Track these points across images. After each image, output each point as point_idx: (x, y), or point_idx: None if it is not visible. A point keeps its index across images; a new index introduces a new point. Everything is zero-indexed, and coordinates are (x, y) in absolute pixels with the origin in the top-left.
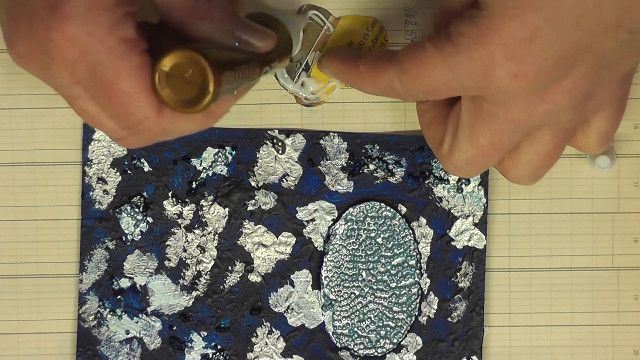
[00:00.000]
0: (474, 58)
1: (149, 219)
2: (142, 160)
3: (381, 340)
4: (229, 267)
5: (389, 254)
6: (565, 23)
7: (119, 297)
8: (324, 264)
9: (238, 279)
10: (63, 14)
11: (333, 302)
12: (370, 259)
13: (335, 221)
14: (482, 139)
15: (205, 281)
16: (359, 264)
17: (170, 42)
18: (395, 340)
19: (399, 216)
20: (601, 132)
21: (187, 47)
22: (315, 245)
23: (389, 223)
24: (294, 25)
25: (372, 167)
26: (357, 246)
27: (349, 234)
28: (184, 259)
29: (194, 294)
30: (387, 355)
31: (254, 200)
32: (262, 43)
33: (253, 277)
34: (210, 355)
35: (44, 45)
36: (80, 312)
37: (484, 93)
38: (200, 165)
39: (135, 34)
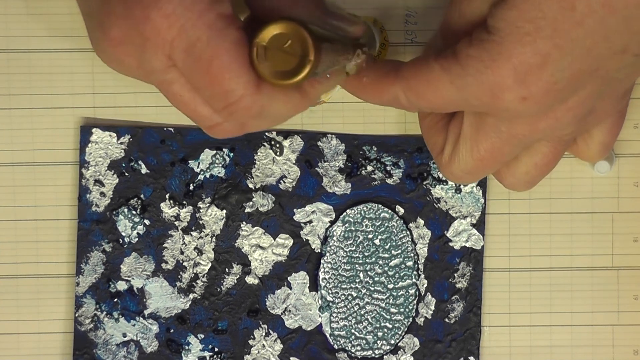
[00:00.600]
0: (482, 81)
1: (146, 221)
2: (140, 162)
3: (378, 341)
4: (226, 270)
5: (386, 255)
6: (576, 50)
7: (115, 300)
8: (321, 265)
9: (235, 281)
10: None
11: (330, 304)
12: (367, 260)
13: (332, 223)
14: (483, 151)
15: (202, 283)
16: (357, 266)
17: (259, 24)
18: (392, 342)
19: (397, 217)
20: (602, 142)
21: (287, 19)
22: (313, 247)
23: (386, 224)
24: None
25: (369, 168)
26: (354, 248)
27: (346, 236)
28: (181, 262)
29: (191, 296)
30: (385, 357)
31: (251, 202)
32: (352, 28)
33: (250, 279)
34: (208, 358)
35: (141, 26)
36: (77, 315)
37: (490, 111)
38: (198, 167)
39: (231, 10)
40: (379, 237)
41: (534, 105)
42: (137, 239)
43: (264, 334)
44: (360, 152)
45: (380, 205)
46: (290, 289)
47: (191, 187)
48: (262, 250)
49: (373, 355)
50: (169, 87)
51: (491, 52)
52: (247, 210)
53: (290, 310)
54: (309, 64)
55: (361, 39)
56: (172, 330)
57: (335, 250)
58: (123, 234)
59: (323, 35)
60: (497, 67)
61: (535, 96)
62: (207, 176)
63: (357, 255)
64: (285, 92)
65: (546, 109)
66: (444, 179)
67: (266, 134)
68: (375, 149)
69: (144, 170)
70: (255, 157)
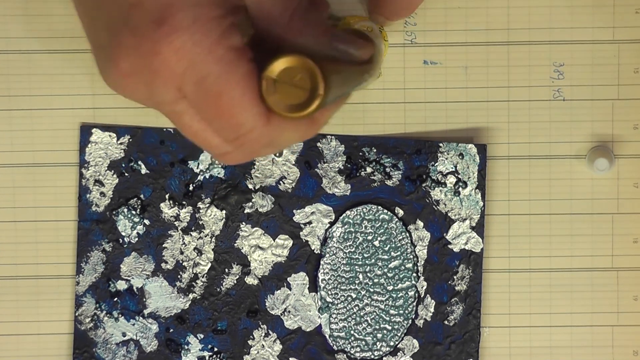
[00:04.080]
0: None
1: (146, 222)
2: (139, 162)
3: (378, 343)
4: (226, 270)
5: (385, 257)
6: None
7: (115, 299)
8: (320, 266)
9: (235, 282)
10: (170, 27)
11: (330, 305)
12: (367, 261)
13: (332, 224)
14: None
15: (202, 284)
16: (356, 267)
17: (267, 53)
18: (391, 343)
19: (396, 219)
20: None
21: (296, 52)
22: (312, 248)
23: (385, 226)
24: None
25: (369, 170)
26: (354, 249)
27: (346, 237)
28: (180, 262)
29: (191, 296)
30: (384, 358)
31: (251, 203)
32: (360, 51)
33: (250, 280)
34: (207, 358)
35: (150, 60)
36: (76, 314)
37: None
38: (198, 168)
39: (242, 42)
40: (379, 238)
41: None
42: (137, 239)
43: (263, 334)
44: (360, 154)
45: (379, 207)
46: (290, 289)
47: (191, 188)
48: (262, 250)
49: (372, 356)
50: (179, 118)
51: None
52: (247, 210)
53: (289, 311)
54: (319, 98)
55: (369, 61)
56: (171, 330)
57: (334, 251)
58: (123, 233)
59: (331, 61)
60: None
61: None
62: (207, 177)
63: (357, 256)
64: (294, 123)
65: None
66: (443, 181)
67: None
68: (375, 150)
69: (143, 170)
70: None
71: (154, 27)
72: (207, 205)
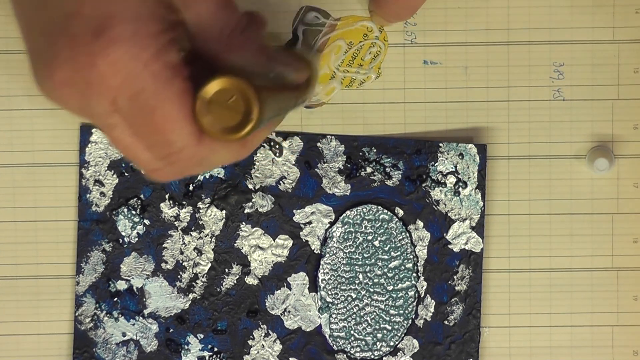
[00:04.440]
0: None
1: (146, 222)
2: None
3: (378, 343)
4: (226, 270)
5: (385, 256)
6: None
7: (115, 299)
8: (320, 266)
9: (235, 282)
10: (108, 39)
11: (330, 305)
12: (367, 261)
13: (332, 224)
14: None
15: (202, 284)
16: (356, 267)
17: (203, 70)
18: (391, 343)
19: (396, 219)
20: None
21: (232, 74)
22: (312, 248)
23: (385, 226)
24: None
25: (369, 170)
26: (354, 249)
27: (346, 237)
28: (180, 262)
29: (191, 296)
30: (384, 358)
31: (251, 203)
32: (296, 74)
33: (250, 280)
34: (207, 358)
35: (86, 71)
36: (76, 314)
37: None
38: None
39: (179, 60)
40: (379, 238)
41: None
42: (136, 239)
43: (263, 334)
44: (360, 154)
45: (379, 207)
46: (290, 289)
47: (191, 188)
48: (262, 250)
49: (372, 356)
50: (110, 131)
51: None
52: (247, 210)
53: (289, 311)
54: (252, 122)
55: (304, 84)
56: (171, 330)
57: (334, 251)
58: (123, 233)
59: (268, 87)
60: None
61: None
62: (207, 177)
63: (357, 256)
64: (226, 144)
65: None
66: (443, 181)
67: None
68: (375, 150)
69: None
70: (254, 158)
71: (92, 39)
72: (207, 205)
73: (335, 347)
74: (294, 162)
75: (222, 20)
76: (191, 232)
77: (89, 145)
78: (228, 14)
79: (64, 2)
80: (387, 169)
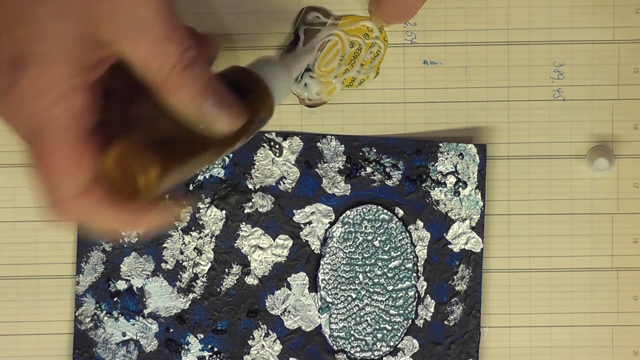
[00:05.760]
0: None
1: None
2: None
3: (378, 343)
4: (226, 270)
5: (385, 257)
6: None
7: (115, 299)
8: (320, 266)
9: (235, 282)
10: (22, 73)
11: (330, 305)
12: (367, 261)
13: (332, 224)
14: None
15: (202, 283)
16: (356, 267)
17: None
18: (391, 343)
19: (396, 219)
20: None
21: (136, 144)
22: (312, 248)
23: (385, 226)
24: (284, 72)
25: (369, 170)
26: (354, 249)
27: (346, 237)
28: (180, 262)
29: (191, 296)
30: (384, 358)
31: (251, 203)
32: (230, 122)
33: (250, 280)
34: (207, 358)
35: (5, 99)
36: (77, 314)
37: None
38: None
39: (86, 105)
40: (379, 238)
41: None
42: (136, 239)
43: (263, 334)
44: (360, 154)
45: (379, 207)
46: (290, 289)
47: (191, 188)
48: (262, 250)
49: (372, 356)
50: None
51: None
52: (247, 210)
53: (289, 311)
54: (144, 194)
55: (238, 132)
56: (171, 330)
57: (334, 251)
58: (123, 233)
59: (180, 154)
60: None
61: None
62: (207, 177)
63: (357, 256)
64: (115, 209)
65: None
66: (443, 181)
67: (265, 135)
68: (375, 150)
69: None
70: (254, 158)
71: (8, 70)
72: (207, 205)
73: (335, 347)
74: (294, 162)
75: (161, 56)
76: (191, 232)
77: None
78: (168, 48)
79: None
80: (387, 169)
